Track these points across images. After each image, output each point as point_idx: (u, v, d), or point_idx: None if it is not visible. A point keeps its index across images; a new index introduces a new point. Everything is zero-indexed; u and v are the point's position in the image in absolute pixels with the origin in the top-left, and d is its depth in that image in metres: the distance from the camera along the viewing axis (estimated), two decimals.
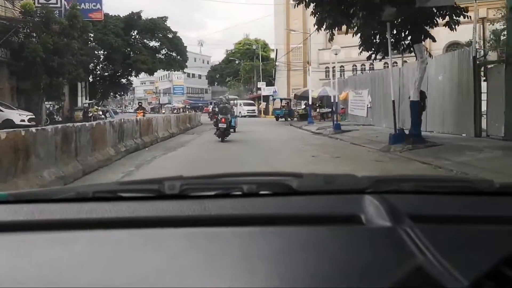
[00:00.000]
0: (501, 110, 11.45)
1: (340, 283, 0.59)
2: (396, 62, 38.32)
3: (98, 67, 31.24)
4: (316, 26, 12.57)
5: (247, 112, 43.39)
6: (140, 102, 26.99)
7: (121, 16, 31.72)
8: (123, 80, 32.38)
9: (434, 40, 11.27)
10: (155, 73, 35.33)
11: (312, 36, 43.93)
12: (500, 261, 0.55)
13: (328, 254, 0.68)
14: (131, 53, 30.31)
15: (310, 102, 23.89)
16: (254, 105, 46.64)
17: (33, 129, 6.06)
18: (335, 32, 12.82)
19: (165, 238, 0.76)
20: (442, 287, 0.54)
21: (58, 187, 3.03)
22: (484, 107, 12.68)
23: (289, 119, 29.69)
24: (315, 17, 12.29)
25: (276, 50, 45.90)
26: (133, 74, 32.63)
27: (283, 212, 0.87)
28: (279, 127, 24.41)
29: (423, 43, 12.89)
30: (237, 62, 54.78)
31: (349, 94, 24.38)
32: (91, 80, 31.98)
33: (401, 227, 0.74)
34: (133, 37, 31.35)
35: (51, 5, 23.57)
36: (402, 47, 12.44)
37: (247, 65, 50.63)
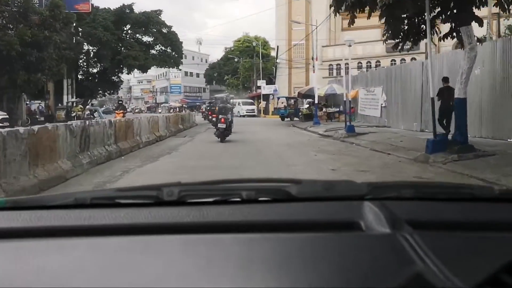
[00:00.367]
0: None
1: None
2: (404, 59, 36.01)
3: (86, 63, 28.76)
4: (333, 8, 10.12)
5: (246, 112, 40.92)
6: (120, 100, 23.76)
7: (112, 8, 29.27)
8: (114, 78, 29.87)
9: (481, 24, 8.85)
10: (149, 70, 32.81)
11: (315, 32, 41.62)
12: (500, 268, 0.54)
13: (328, 261, 0.67)
14: (122, 48, 27.83)
15: (316, 101, 21.46)
16: (253, 104, 44.17)
17: None
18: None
19: (163, 244, 0.74)
20: None
21: (56, 193, 2.50)
22: None
23: (295, 119, 27.21)
24: None
25: (277, 46, 43.44)
26: (124, 71, 30.17)
27: (282, 219, 0.86)
28: (282, 129, 22.00)
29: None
30: (236, 60, 52.31)
31: (359, 92, 21.96)
32: (80, 77, 29.53)
33: (401, 233, 0.73)
34: (124, 31, 28.84)
35: None
36: (440, 33, 10.00)
37: (246, 62, 48.14)
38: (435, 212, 0.92)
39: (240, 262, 0.67)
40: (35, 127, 6.18)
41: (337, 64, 40.90)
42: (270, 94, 43.36)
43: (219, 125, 13.01)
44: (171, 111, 53.34)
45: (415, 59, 31.72)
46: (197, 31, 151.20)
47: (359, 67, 40.78)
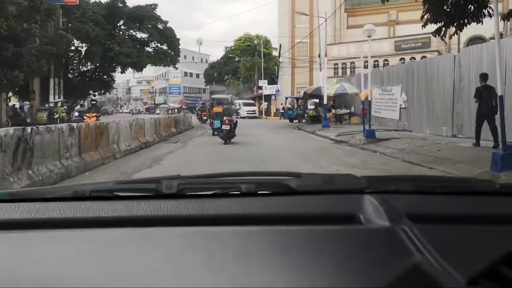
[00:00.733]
0: None
1: (339, 283, 0.58)
2: (414, 57, 33.68)
3: (75, 61, 26.44)
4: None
5: (247, 113, 38.48)
6: (93, 101, 20.55)
7: (103, 2, 26.93)
8: (105, 77, 27.53)
9: None
10: (145, 69, 30.48)
11: (322, 26, 39.27)
12: (498, 261, 0.54)
13: (327, 254, 0.67)
14: (114, 45, 25.48)
15: (325, 101, 19.09)
16: (254, 105, 41.77)
17: None
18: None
19: (162, 237, 0.74)
20: (440, 286, 0.54)
21: (55, 185, 2.53)
22: None
23: (303, 121, 24.77)
24: None
25: (280, 45, 41.05)
26: (117, 69, 27.87)
27: (282, 212, 0.86)
28: (288, 132, 19.65)
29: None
30: (236, 59, 49.96)
31: (372, 92, 19.61)
32: (70, 76, 27.20)
33: (400, 227, 0.73)
34: (117, 27, 26.51)
35: None
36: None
37: (247, 61, 45.78)
38: (434, 206, 0.91)
39: (239, 255, 0.67)
40: None
41: (342, 63, 38.58)
42: (272, 94, 41.02)
43: (223, 127, 12.61)
44: (169, 112, 51.11)
45: (425, 57, 29.45)
46: (197, 31, 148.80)
47: (366, 66, 38.41)
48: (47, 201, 0.92)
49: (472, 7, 8.40)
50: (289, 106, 38.00)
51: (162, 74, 77.69)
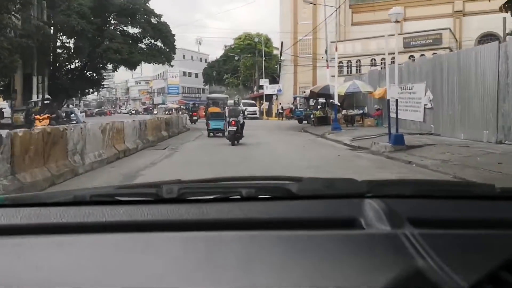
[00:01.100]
0: None
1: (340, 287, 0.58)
2: (424, 55, 31.39)
3: (61, 57, 24.12)
4: None
5: (247, 114, 36.04)
6: (47, 100, 16.78)
7: None
8: (94, 75, 25.20)
9: None
10: (138, 67, 28.17)
11: (323, 25, 36.98)
12: (499, 266, 0.54)
13: (328, 259, 0.66)
14: (103, 40, 23.15)
15: (336, 101, 16.75)
16: (255, 105, 39.40)
17: None
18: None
19: (163, 242, 0.73)
20: None
21: (56, 191, 2.35)
22: None
23: (306, 122, 22.39)
24: None
25: (282, 42, 38.72)
26: (108, 67, 25.57)
27: (282, 216, 0.85)
28: (294, 136, 17.32)
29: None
30: (236, 58, 47.61)
31: (388, 91, 17.31)
32: (58, 74, 24.85)
33: (401, 231, 0.73)
34: (106, 21, 24.16)
35: None
36: None
37: (247, 60, 43.43)
38: (436, 210, 0.90)
39: (240, 259, 0.66)
40: None
41: (348, 61, 36.25)
42: (274, 94, 38.72)
43: (230, 128, 12.29)
44: (167, 112, 48.83)
45: (435, 54, 27.16)
46: (197, 32, 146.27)
47: (373, 64, 36.16)
48: (47, 206, 0.91)
49: None
50: (292, 106, 35.82)
51: (161, 74, 75.43)
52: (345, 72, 35.81)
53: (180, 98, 69.66)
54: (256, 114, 37.48)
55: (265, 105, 37.53)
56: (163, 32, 25.61)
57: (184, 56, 73.48)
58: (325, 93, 20.15)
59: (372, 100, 18.85)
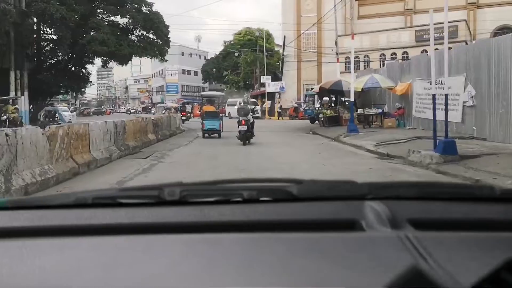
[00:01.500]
0: None
1: None
2: (437, 49, 28.81)
3: (43, 51, 21.54)
4: None
5: None
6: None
7: None
8: (79, 69, 22.61)
9: None
10: (129, 61, 25.54)
11: (329, 20, 34.44)
12: (501, 266, 0.54)
13: (329, 261, 0.66)
14: (87, 30, 20.54)
15: (352, 98, 14.15)
16: (256, 104, 36.75)
17: None
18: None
19: (164, 244, 0.73)
20: None
21: (57, 193, 2.43)
22: None
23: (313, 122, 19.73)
24: None
25: (284, 36, 36.07)
26: (93, 60, 23.01)
27: (283, 219, 0.85)
28: (304, 139, 14.74)
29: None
30: (236, 54, 44.98)
31: (412, 86, 14.75)
32: (39, 69, 22.25)
33: (402, 233, 0.72)
34: (92, 8, 21.51)
35: None
36: None
37: (248, 55, 40.77)
38: (436, 212, 0.90)
39: (241, 262, 0.66)
40: None
41: (355, 56, 33.46)
42: (276, 92, 36.10)
43: (240, 128, 12.10)
44: (166, 111, 46.43)
45: (450, 48, 24.55)
46: (197, 30, 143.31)
47: (382, 60, 33.57)
48: (49, 209, 0.91)
49: None
50: (296, 105, 33.26)
51: (159, 71, 72.87)
52: (352, 68, 33.18)
53: (179, 97, 67.06)
54: (258, 113, 34.86)
55: (267, 103, 34.87)
56: (155, 22, 22.97)
57: (183, 53, 71.00)
58: (337, 89, 17.55)
59: (391, 96, 16.28)
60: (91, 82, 25.25)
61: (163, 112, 44.07)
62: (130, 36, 23.50)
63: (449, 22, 29.02)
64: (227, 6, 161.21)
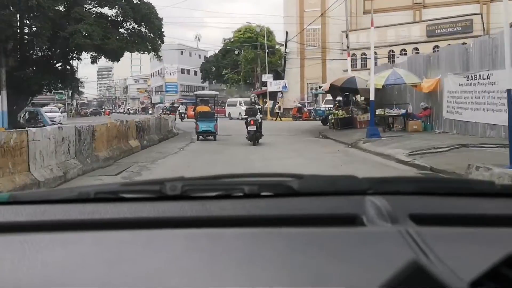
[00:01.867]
0: None
1: (342, 284, 0.58)
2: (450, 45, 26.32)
3: (22, 45, 19.14)
4: None
5: None
6: None
7: None
8: (62, 65, 20.18)
9: None
10: (121, 58, 23.14)
11: (333, 14, 32.04)
12: (501, 262, 0.53)
13: (330, 255, 0.66)
14: (69, 21, 18.13)
15: (372, 97, 11.76)
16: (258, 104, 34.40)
17: None
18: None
19: (166, 239, 0.73)
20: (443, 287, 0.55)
21: (60, 188, 2.34)
22: None
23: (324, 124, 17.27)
24: None
25: (286, 32, 33.66)
26: (79, 55, 20.62)
27: (284, 213, 0.84)
28: (315, 144, 12.34)
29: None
30: (236, 52, 42.58)
31: (442, 82, 12.36)
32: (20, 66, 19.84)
33: (403, 228, 0.72)
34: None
35: None
36: None
37: (248, 53, 38.36)
38: (437, 207, 0.89)
39: (242, 256, 0.66)
40: None
41: (362, 53, 31.25)
42: (278, 91, 33.71)
43: (249, 128, 11.92)
44: (163, 112, 44.18)
45: (465, 43, 22.20)
46: (197, 30, 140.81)
47: (391, 56, 31.20)
48: (52, 203, 0.90)
49: None
50: (300, 105, 30.84)
51: (158, 71, 70.53)
52: (358, 66, 30.81)
53: (178, 97, 64.67)
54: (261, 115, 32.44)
55: (269, 103, 32.46)
56: (146, 15, 20.53)
57: (182, 53, 68.69)
58: (350, 86, 15.17)
59: (414, 95, 13.90)
60: (79, 80, 22.81)
61: (160, 112, 41.77)
62: (120, 30, 21.06)
63: (464, 15, 26.44)
64: (228, 7, 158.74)
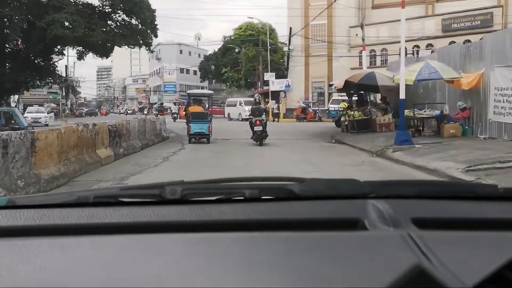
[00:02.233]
0: None
1: None
2: (469, 40, 23.93)
3: None
4: None
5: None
6: None
7: None
8: (41, 61, 17.88)
9: None
10: (111, 53, 20.89)
11: (341, 8, 29.71)
12: (503, 265, 0.53)
13: (331, 260, 0.65)
14: (47, 10, 15.83)
15: (402, 95, 9.43)
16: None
17: None
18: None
19: (166, 243, 0.72)
20: None
21: (59, 192, 2.25)
22: None
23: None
24: None
25: (290, 28, 31.32)
26: (64, 49, 18.35)
27: (285, 217, 0.83)
28: (329, 152, 9.97)
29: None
30: (236, 50, 40.27)
31: (486, 77, 10.01)
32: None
33: (405, 232, 0.71)
34: None
35: None
36: None
37: (249, 50, 36.03)
38: (439, 211, 0.88)
39: (242, 261, 0.65)
40: None
41: (371, 50, 28.85)
42: (281, 91, 31.38)
43: (255, 128, 11.47)
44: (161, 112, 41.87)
45: (481, 39, 19.84)
46: (197, 30, 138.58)
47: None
48: (51, 208, 0.88)
49: None
50: (304, 105, 28.49)
51: (156, 70, 68.32)
52: (369, 63, 28.42)
53: (177, 97, 62.37)
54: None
55: (271, 103, 30.11)
56: (137, 6, 18.26)
57: (181, 52, 66.50)
58: (369, 83, 12.84)
59: (448, 92, 11.55)
60: (58, 75, 20.48)
61: (155, 112, 39.44)
62: (108, 22, 18.79)
63: (484, 8, 23.82)
64: (227, 7, 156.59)
